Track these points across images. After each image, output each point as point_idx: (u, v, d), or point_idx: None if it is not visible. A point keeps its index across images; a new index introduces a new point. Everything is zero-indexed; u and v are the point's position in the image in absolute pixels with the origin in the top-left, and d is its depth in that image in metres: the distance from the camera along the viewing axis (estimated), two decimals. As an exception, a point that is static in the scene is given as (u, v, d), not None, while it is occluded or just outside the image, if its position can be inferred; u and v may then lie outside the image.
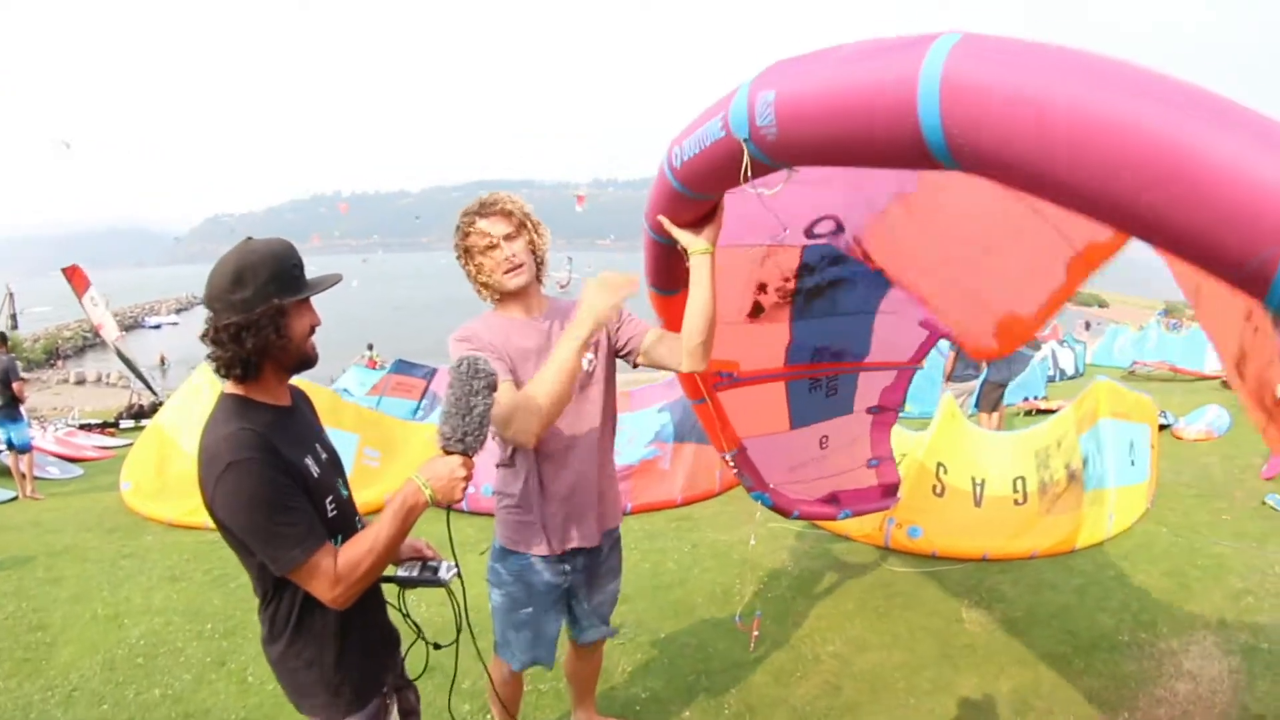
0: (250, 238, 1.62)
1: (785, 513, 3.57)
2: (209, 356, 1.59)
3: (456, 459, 1.63)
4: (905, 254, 2.84)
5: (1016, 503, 5.39)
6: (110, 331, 18.44)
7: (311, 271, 1.69)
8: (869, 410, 3.87)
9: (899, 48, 1.08)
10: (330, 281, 1.69)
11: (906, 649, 3.88)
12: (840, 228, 2.81)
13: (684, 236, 2.03)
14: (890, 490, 4.04)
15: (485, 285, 2.25)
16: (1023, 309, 2.80)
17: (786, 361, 3.35)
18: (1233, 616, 4.18)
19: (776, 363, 3.31)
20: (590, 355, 2.28)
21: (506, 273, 2.19)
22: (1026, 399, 11.58)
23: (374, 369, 15.32)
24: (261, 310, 1.54)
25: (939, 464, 5.39)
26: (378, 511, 1.62)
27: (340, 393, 10.14)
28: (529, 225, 2.22)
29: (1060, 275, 2.62)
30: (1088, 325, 22.32)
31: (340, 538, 1.66)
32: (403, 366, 11.76)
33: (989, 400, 8.63)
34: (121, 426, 14.84)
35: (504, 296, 2.27)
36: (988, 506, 5.33)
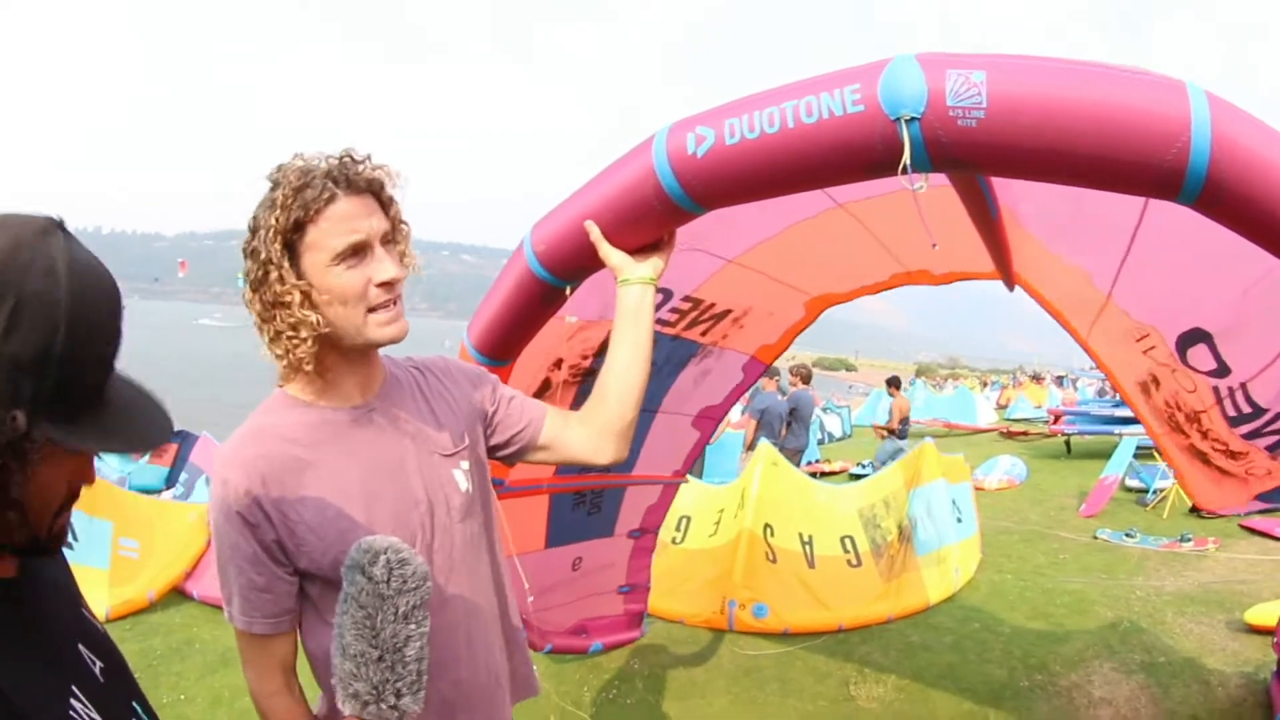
0: (57, 224, 0.71)
1: (537, 647, 3.29)
2: None
3: None
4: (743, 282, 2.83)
5: (850, 564, 5.00)
6: None
7: None
8: (630, 534, 3.66)
9: (1158, 82, 1.16)
10: (157, 437, 0.78)
11: (807, 739, 3.10)
12: (668, 295, 2.68)
13: (617, 256, 1.47)
14: (636, 620, 3.90)
15: (316, 336, 1.13)
16: (838, 289, 3.15)
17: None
18: (1117, 642, 3.95)
19: (546, 469, 2.87)
20: (465, 465, 1.32)
21: (374, 311, 1.15)
22: (809, 463, 11.77)
23: None
24: None
25: (766, 525, 4.89)
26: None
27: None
28: (401, 224, 1.22)
29: (883, 277, 3.04)
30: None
31: None
32: None
33: None
34: None
35: (328, 362, 1.19)
36: (821, 568, 4.89)
